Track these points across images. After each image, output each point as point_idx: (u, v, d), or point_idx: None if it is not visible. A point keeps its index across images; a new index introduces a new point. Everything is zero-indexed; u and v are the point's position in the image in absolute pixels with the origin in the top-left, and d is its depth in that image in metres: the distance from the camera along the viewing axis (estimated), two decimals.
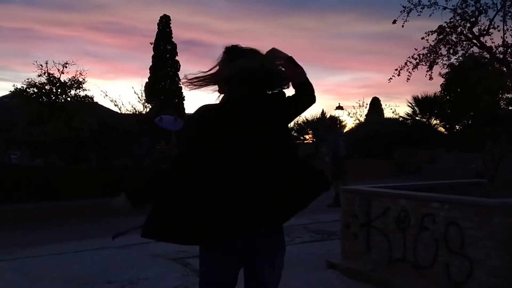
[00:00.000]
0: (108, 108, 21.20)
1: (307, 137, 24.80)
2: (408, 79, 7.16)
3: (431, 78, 6.79)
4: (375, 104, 33.88)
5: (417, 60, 6.83)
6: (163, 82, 28.76)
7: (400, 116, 21.44)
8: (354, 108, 27.61)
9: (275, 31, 51.18)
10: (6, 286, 5.03)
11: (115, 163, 12.22)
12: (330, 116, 10.64)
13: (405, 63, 7.00)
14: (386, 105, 34.70)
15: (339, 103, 25.15)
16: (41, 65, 12.24)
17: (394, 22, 6.94)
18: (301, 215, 7.53)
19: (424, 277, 4.36)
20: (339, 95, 57.70)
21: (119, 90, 58.47)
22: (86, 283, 5.09)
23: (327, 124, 10.72)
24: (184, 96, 28.81)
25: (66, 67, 12.54)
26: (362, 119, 27.84)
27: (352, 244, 5.29)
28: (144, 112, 19.68)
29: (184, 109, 29.10)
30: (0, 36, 45.66)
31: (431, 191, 4.94)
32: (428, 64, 6.78)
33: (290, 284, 4.71)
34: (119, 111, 19.47)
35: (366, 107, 28.36)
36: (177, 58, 29.48)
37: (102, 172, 11.00)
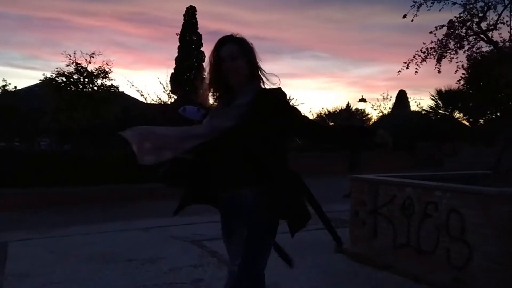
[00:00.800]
0: (134, 98, 21.68)
1: None
2: (416, 72, 7.27)
3: (439, 72, 6.89)
4: (402, 97, 33.63)
5: (426, 54, 6.93)
6: (188, 73, 29.19)
7: (423, 109, 21.34)
8: (378, 101, 27.54)
9: (302, 23, 50.97)
10: (34, 262, 5.41)
11: None
12: (347, 107, 10.54)
13: (414, 56, 7.12)
14: (411, 98, 34.39)
15: (362, 96, 25.17)
16: (70, 55, 12.78)
17: (405, 16, 7.05)
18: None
19: (426, 261, 4.56)
20: (366, 87, 57.11)
21: (146, 80, 59.14)
22: (109, 260, 5.44)
23: (344, 116, 10.75)
24: None
25: (93, 57, 13.02)
26: (386, 112, 27.75)
27: (360, 230, 5.50)
28: (169, 103, 20.05)
29: (209, 99, 29.49)
30: (30, 26, 46.84)
31: (440, 181, 5.10)
32: (436, 57, 6.88)
33: (299, 267, 4.96)
34: (144, 101, 19.92)
35: (390, 100, 28.24)
36: (202, 49, 29.86)
37: (127, 159, 11.39)
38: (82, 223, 8.15)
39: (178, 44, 29.34)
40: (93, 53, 13.07)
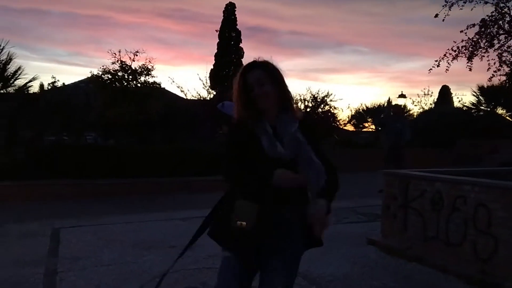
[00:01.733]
0: (175, 94, 22.25)
1: (366, 125, 24.75)
2: (447, 70, 7.31)
3: (470, 70, 6.90)
4: (445, 93, 32.86)
5: (456, 52, 6.96)
6: (227, 69, 29.62)
7: (464, 105, 20.94)
8: (418, 97, 27.11)
9: (342, 17, 50.47)
10: (84, 247, 5.86)
11: (180, 145, 13.10)
12: (396, 104, 10.29)
13: (444, 55, 7.16)
14: (455, 94, 33.59)
15: (402, 91, 24.84)
16: (115, 53, 13.43)
17: (436, 16, 7.10)
18: (351, 199, 8.03)
19: (454, 254, 4.70)
20: (408, 83, 56.01)
21: (185, 75, 60.09)
22: (151, 246, 5.84)
23: (393, 111, 10.34)
24: None
25: (136, 55, 13.60)
26: (426, 108, 27.27)
27: (391, 223, 5.67)
28: (208, 98, 20.49)
29: None
30: (75, 23, 48.46)
31: (471, 177, 5.20)
32: (467, 56, 6.89)
33: (332, 256, 5.20)
34: (184, 97, 20.45)
35: (431, 96, 27.72)
36: (241, 45, 30.21)
37: (168, 153, 11.88)
38: (126, 212, 8.61)
39: (218, 40, 29.78)
40: (137, 51, 13.67)
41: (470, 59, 6.99)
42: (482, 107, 20.10)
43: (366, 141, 20.42)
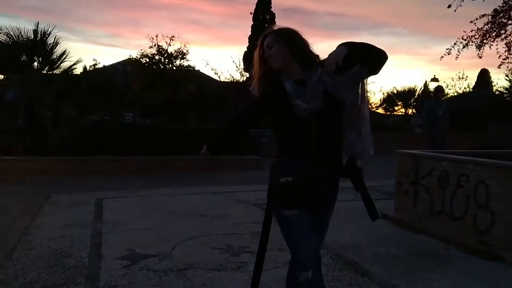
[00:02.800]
0: (209, 76, 22.89)
1: (396, 108, 24.83)
2: (457, 57, 7.59)
3: (480, 57, 7.16)
4: (483, 76, 32.27)
5: (467, 41, 7.23)
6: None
7: (497, 90, 20.76)
8: (453, 80, 26.90)
9: None
10: (127, 214, 6.57)
11: (213, 125, 13.74)
12: (439, 86, 10.03)
13: (455, 43, 7.44)
14: (495, 78, 32.97)
15: (434, 75, 24.75)
16: (152, 38, 14.13)
17: (449, 6, 7.36)
18: (374, 179, 8.48)
19: (457, 226, 5.15)
20: (448, 65, 54.83)
21: (220, 57, 60.70)
22: (184, 215, 6.51)
23: (437, 95, 9.73)
24: None
25: (173, 39, 14.25)
26: (461, 92, 27.04)
27: (403, 199, 6.14)
28: (241, 81, 21.00)
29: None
30: (112, 5, 49.57)
31: (478, 157, 5.58)
32: (477, 44, 7.15)
33: (348, 228, 5.72)
34: (218, 79, 21.05)
35: (465, 79, 27.42)
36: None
37: (201, 133, 12.52)
38: (163, 186, 9.34)
39: (252, 23, 30.09)
40: (173, 36, 14.32)
41: (479, 47, 7.26)
42: None
43: (395, 124, 20.60)
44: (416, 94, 24.01)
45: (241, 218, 6.34)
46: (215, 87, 18.34)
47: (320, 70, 2.38)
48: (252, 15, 30.19)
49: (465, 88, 27.60)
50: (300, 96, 2.38)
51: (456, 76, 27.58)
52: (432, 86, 21.67)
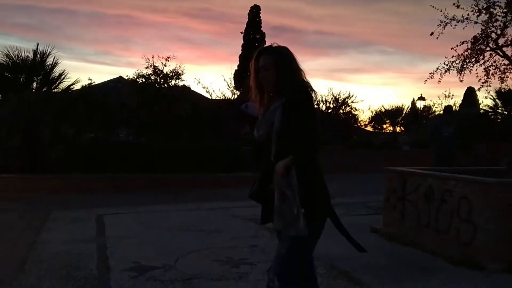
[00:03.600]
0: (200, 94, 23.29)
1: (384, 126, 25.43)
2: (439, 81, 8.10)
3: (461, 81, 7.66)
4: (470, 94, 32.97)
5: (448, 66, 7.74)
6: None
7: (482, 109, 21.37)
8: (439, 99, 27.57)
9: (368, 17, 50.76)
10: (128, 229, 6.83)
11: (206, 143, 14.07)
12: (448, 105, 10.13)
13: (437, 68, 7.94)
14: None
15: (421, 94, 25.46)
16: (148, 59, 14.54)
17: (432, 34, 7.88)
18: (364, 195, 8.94)
19: (442, 239, 5.50)
20: (436, 83, 55.90)
21: (210, 75, 61.30)
22: (183, 230, 6.80)
23: (445, 115, 9.69)
24: None
25: (168, 60, 14.67)
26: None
27: (391, 214, 6.50)
28: (232, 99, 21.41)
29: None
30: (102, 23, 50.04)
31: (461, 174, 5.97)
32: (458, 70, 7.66)
33: (340, 241, 6.01)
34: (209, 97, 21.45)
35: (451, 98, 28.12)
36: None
37: (195, 150, 12.87)
38: (159, 203, 9.61)
39: (242, 42, 30.69)
40: (168, 57, 14.77)
41: (460, 72, 7.77)
42: (499, 110, 20.54)
43: (383, 141, 21.12)
44: (404, 112, 24.68)
45: (238, 232, 6.64)
46: (207, 106, 18.69)
47: (282, 101, 2.50)
48: (243, 34, 30.85)
49: (451, 106, 28.27)
50: (258, 122, 2.61)
51: (442, 94, 28.18)
52: (419, 104, 22.34)
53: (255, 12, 31.34)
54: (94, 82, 17.28)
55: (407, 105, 25.62)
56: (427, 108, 28.82)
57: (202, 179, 12.60)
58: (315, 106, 2.70)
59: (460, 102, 29.41)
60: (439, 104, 27.49)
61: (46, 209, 8.53)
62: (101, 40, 51.87)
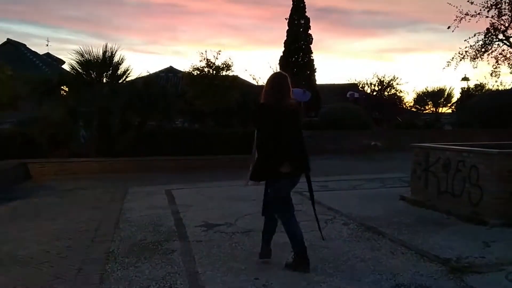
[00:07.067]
0: (248, 81, 24.55)
1: (426, 107, 25.81)
2: (455, 68, 8.90)
3: (475, 67, 8.43)
4: None
5: (463, 56, 8.55)
6: (296, 55, 31.38)
7: None
8: (485, 78, 27.55)
9: None
10: (192, 200, 8.21)
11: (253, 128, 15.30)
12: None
13: (452, 58, 8.77)
14: None
15: (465, 75, 25.59)
16: (202, 53, 16.03)
17: (449, 27, 8.67)
18: (403, 171, 10.08)
19: (456, 201, 6.52)
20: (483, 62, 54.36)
21: (256, 60, 62.18)
22: (240, 199, 8.09)
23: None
24: (315, 69, 31.29)
25: (219, 54, 16.05)
26: (494, 88, 27.59)
27: (416, 183, 7.54)
28: None
29: (315, 80, 31.65)
30: (149, 12, 51.73)
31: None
32: (470, 58, 8.45)
33: (371, 208, 7.16)
34: (256, 84, 22.66)
35: (498, 77, 27.96)
36: (310, 31, 31.79)
37: (245, 134, 14.13)
38: (217, 180, 10.98)
39: (287, 28, 31.48)
40: (219, 51, 16.18)
41: (473, 60, 8.56)
42: None
43: (425, 122, 21.68)
44: (446, 93, 24.99)
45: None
46: (255, 92, 19.92)
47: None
48: (287, 20, 31.68)
49: (498, 85, 28.19)
50: None
51: (488, 73, 28.07)
52: (462, 85, 22.62)
53: None
54: (149, 72, 18.97)
55: (455, 85, 25.97)
56: (480, 87, 28.81)
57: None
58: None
59: None
60: (485, 83, 27.42)
61: (122, 185, 10.10)
62: (148, 29, 53.67)
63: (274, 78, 4.43)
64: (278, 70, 25.25)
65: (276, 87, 4.31)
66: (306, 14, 31.76)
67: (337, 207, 7.20)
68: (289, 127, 4.22)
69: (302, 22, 31.78)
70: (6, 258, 4.92)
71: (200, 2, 49.07)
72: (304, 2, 31.94)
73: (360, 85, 28.10)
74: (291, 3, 31.77)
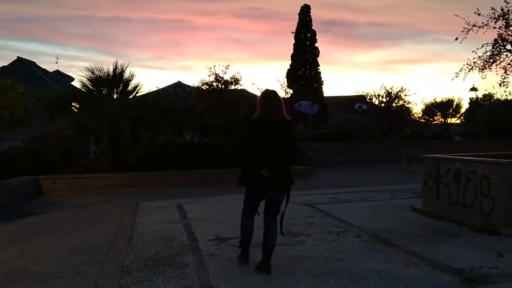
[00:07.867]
0: (255, 95, 24.68)
1: (435, 118, 25.77)
2: (464, 79, 8.97)
3: (484, 78, 8.52)
4: None
5: (471, 66, 8.62)
6: (303, 68, 31.58)
7: None
8: (494, 88, 27.50)
9: (423, 4, 49.63)
10: (203, 213, 8.26)
11: None
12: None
13: (461, 69, 8.84)
14: None
15: (473, 85, 25.54)
16: (210, 68, 16.22)
17: (456, 39, 8.77)
18: (413, 183, 10.16)
19: (468, 212, 6.52)
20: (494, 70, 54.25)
21: (262, 74, 62.52)
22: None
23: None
24: (323, 81, 31.44)
25: (228, 68, 16.23)
26: (503, 98, 27.49)
27: (428, 194, 7.54)
28: (285, 97, 22.64)
29: (322, 92, 31.77)
30: (155, 28, 52.28)
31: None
32: (480, 68, 8.52)
33: (383, 219, 7.17)
34: None
35: (507, 87, 27.90)
36: (316, 45, 32.01)
37: None
38: (226, 193, 11.01)
39: (294, 41, 31.73)
40: (228, 65, 16.36)
41: (482, 71, 8.62)
42: None
43: (434, 133, 21.62)
44: (455, 104, 24.95)
45: (296, 214, 7.90)
46: None
47: None
48: (294, 34, 31.95)
49: (506, 95, 28.08)
50: None
51: (496, 83, 28.03)
52: (471, 95, 22.58)
53: (305, 11, 32.33)
54: (158, 88, 19.16)
55: (463, 95, 25.98)
56: (488, 97, 28.75)
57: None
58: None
59: None
60: (494, 93, 27.33)
61: (134, 200, 10.17)
62: (155, 45, 54.25)
63: (262, 96, 4.80)
64: (286, 83, 25.41)
65: (263, 104, 4.66)
66: (313, 27, 32.12)
67: (349, 219, 7.22)
68: (269, 141, 4.54)
69: (309, 35, 32.08)
70: (21, 274, 4.99)
71: (206, 17, 49.58)
72: (311, 16, 32.29)
73: (368, 97, 28.15)
74: (297, 17, 32.16)
